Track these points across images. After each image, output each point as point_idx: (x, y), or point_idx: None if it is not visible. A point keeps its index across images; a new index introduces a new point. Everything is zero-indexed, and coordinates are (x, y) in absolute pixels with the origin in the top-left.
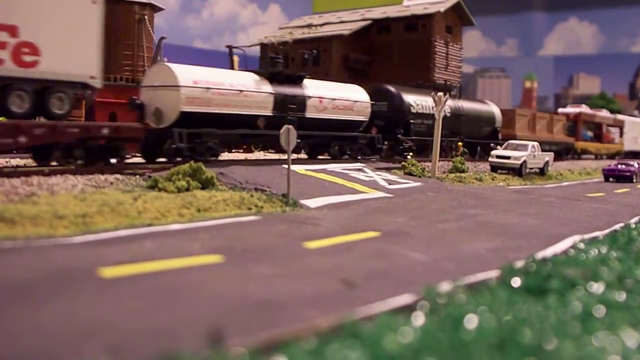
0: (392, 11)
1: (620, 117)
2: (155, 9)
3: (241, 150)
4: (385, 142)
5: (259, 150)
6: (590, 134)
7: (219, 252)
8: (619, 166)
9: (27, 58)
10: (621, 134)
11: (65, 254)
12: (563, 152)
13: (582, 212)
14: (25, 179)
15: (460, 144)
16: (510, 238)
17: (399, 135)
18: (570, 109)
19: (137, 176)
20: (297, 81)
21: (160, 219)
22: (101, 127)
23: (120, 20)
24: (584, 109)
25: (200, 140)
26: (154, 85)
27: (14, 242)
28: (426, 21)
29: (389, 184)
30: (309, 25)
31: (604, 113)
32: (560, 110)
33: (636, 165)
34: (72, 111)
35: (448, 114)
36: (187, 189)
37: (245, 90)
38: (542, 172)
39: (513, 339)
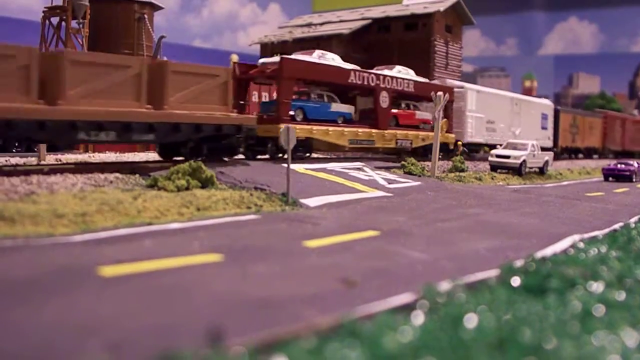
0: (391, 10)
1: (454, 82)
2: (155, 7)
3: None
4: None
5: None
6: (339, 108)
7: (218, 251)
8: (619, 165)
9: None
10: (447, 115)
11: (64, 252)
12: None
13: (581, 212)
14: (24, 178)
15: (459, 143)
16: (509, 237)
17: None
18: (271, 59)
19: (137, 175)
20: None
21: (159, 218)
22: None
23: (120, 19)
24: (309, 55)
25: None
26: None
27: (13, 241)
28: (426, 20)
29: (389, 183)
30: (309, 24)
31: (387, 71)
32: (261, 61)
33: (636, 164)
34: None
35: None
36: (187, 188)
37: None
38: (541, 171)
39: (513, 338)
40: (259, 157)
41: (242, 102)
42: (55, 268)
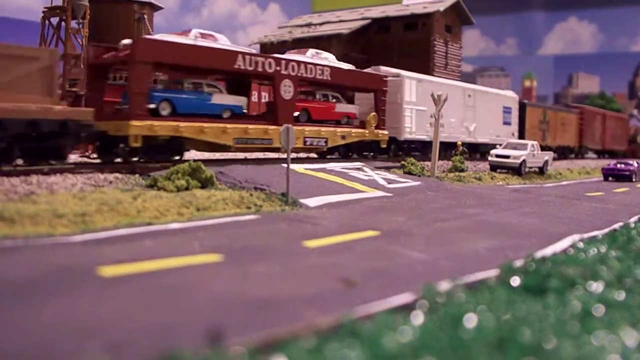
0: (391, 10)
1: (389, 70)
2: (154, 7)
3: None
4: None
5: None
6: (223, 100)
7: (218, 251)
8: (618, 165)
9: None
10: (377, 108)
11: (64, 253)
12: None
13: (581, 211)
14: (24, 178)
15: (459, 143)
16: (509, 237)
17: None
18: (129, 40)
19: (137, 175)
20: None
21: (159, 218)
22: None
23: (120, 19)
24: (184, 36)
25: None
26: None
27: (13, 241)
28: (425, 20)
29: (389, 183)
30: (309, 25)
31: (296, 56)
32: (123, 43)
33: (635, 164)
34: None
35: None
36: (187, 188)
37: None
38: (541, 171)
39: (512, 338)
40: (116, 160)
41: (74, 89)
42: (55, 268)
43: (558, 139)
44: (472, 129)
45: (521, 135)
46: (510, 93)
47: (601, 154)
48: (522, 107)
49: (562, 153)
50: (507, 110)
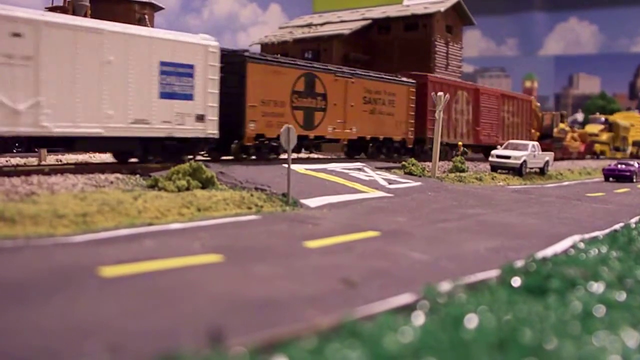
0: (392, 11)
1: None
2: (155, 8)
3: None
4: None
5: None
6: None
7: (219, 251)
8: (619, 166)
9: None
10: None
11: (65, 253)
12: None
13: (582, 212)
14: (25, 178)
15: (460, 143)
16: (510, 238)
17: None
18: None
19: (137, 175)
20: None
21: (160, 218)
22: None
23: (121, 20)
24: None
25: None
26: None
27: (14, 241)
28: (426, 21)
29: (389, 184)
30: (309, 25)
31: None
32: None
33: (636, 165)
34: None
35: None
36: (187, 188)
37: None
38: (542, 171)
39: (513, 339)
40: None
41: None
42: (55, 268)
43: (361, 128)
44: (23, 107)
45: (237, 117)
46: (195, 38)
47: (480, 150)
48: (239, 64)
49: (361, 150)
50: (178, 71)
